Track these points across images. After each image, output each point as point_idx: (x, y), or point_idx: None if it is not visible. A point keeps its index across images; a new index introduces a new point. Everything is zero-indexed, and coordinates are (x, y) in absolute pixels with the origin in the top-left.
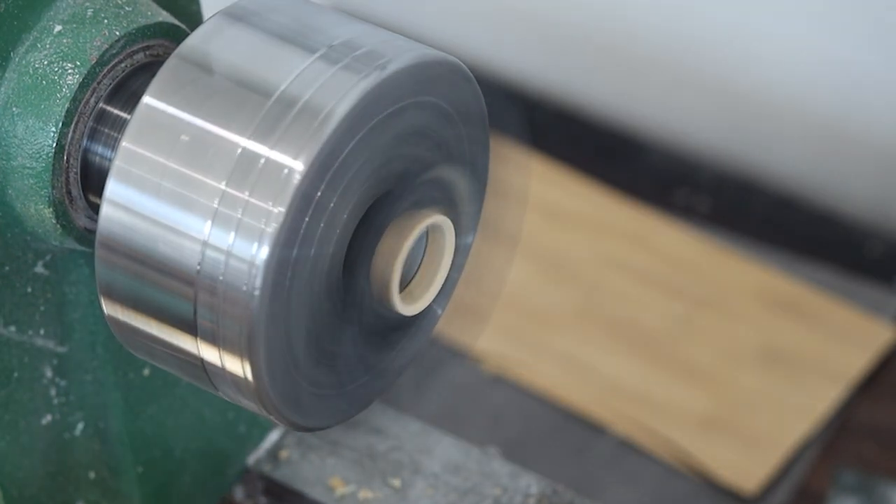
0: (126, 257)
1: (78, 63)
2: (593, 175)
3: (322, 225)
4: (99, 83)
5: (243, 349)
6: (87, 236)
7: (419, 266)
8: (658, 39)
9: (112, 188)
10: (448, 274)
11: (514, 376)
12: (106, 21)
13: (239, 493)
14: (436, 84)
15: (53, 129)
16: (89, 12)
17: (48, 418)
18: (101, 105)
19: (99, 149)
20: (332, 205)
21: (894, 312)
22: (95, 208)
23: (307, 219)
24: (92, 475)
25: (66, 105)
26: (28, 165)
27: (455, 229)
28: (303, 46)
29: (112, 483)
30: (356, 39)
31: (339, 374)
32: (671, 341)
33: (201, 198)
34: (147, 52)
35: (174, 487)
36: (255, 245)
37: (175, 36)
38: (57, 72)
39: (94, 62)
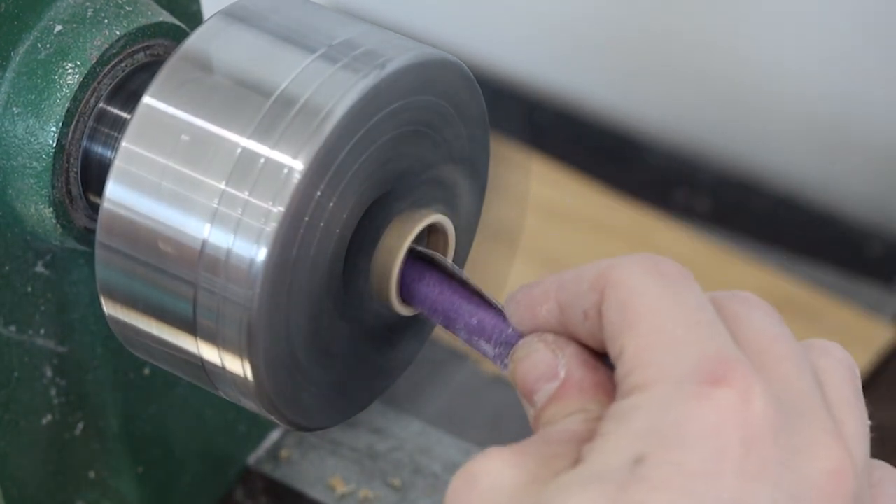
0: (126, 257)
1: (78, 63)
2: (593, 175)
3: (322, 224)
4: (99, 83)
5: (243, 348)
6: (88, 236)
7: None
8: (658, 39)
9: (112, 188)
10: None
11: None
12: (106, 21)
13: (239, 493)
14: (435, 83)
15: (53, 128)
16: (89, 12)
17: (48, 418)
18: (101, 105)
19: (99, 149)
20: (331, 204)
21: (894, 312)
22: (96, 208)
23: (307, 218)
24: (92, 475)
25: (66, 105)
26: (28, 165)
27: (455, 229)
28: (302, 46)
29: (112, 483)
30: (356, 39)
31: (339, 373)
32: None
33: (201, 197)
34: (147, 52)
35: (174, 487)
36: (255, 244)
37: (175, 36)
38: (57, 72)
39: (94, 62)
